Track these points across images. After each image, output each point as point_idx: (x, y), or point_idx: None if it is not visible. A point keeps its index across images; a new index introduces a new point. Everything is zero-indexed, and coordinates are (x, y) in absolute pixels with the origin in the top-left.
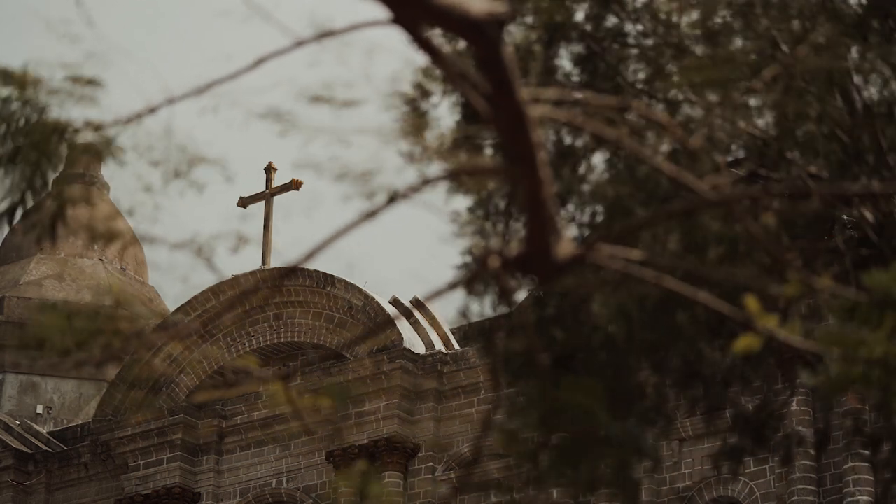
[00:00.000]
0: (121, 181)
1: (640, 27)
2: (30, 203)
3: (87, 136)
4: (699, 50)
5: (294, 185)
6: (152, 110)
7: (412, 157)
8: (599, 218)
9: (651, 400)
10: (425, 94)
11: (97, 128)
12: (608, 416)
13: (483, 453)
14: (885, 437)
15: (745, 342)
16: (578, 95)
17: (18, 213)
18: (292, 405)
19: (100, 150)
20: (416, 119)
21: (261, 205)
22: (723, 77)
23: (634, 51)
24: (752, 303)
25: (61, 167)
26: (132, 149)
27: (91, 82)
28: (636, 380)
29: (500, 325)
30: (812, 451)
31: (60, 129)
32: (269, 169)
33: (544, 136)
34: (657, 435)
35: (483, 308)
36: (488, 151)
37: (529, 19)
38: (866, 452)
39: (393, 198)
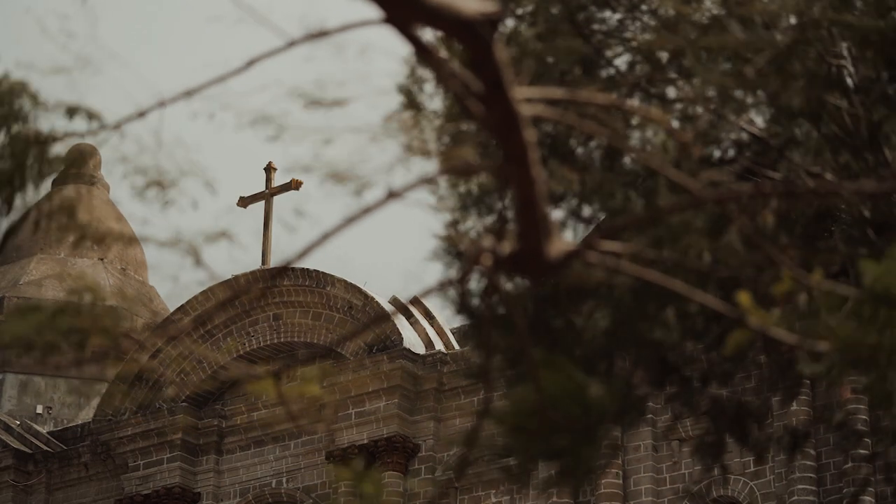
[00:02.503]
0: (117, 183)
1: (634, 22)
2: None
3: (71, 143)
4: (694, 42)
5: (294, 185)
6: (142, 114)
7: (405, 155)
8: (592, 215)
9: (631, 394)
10: (418, 91)
11: (84, 136)
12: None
13: (477, 449)
14: (872, 433)
15: (737, 338)
16: (571, 94)
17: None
18: (283, 402)
19: (92, 152)
20: (408, 117)
21: (261, 205)
22: (719, 68)
23: (630, 46)
24: (744, 298)
25: (41, 182)
26: (121, 155)
27: (68, 74)
28: (622, 377)
29: (492, 321)
30: (811, 450)
31: (41, 141)
32: (269, 169)
33: (537, 135)
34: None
35: (477, 306)
36: (482, 150)
37: (523, 12)
38: (865, 452)
39: (388, 196)
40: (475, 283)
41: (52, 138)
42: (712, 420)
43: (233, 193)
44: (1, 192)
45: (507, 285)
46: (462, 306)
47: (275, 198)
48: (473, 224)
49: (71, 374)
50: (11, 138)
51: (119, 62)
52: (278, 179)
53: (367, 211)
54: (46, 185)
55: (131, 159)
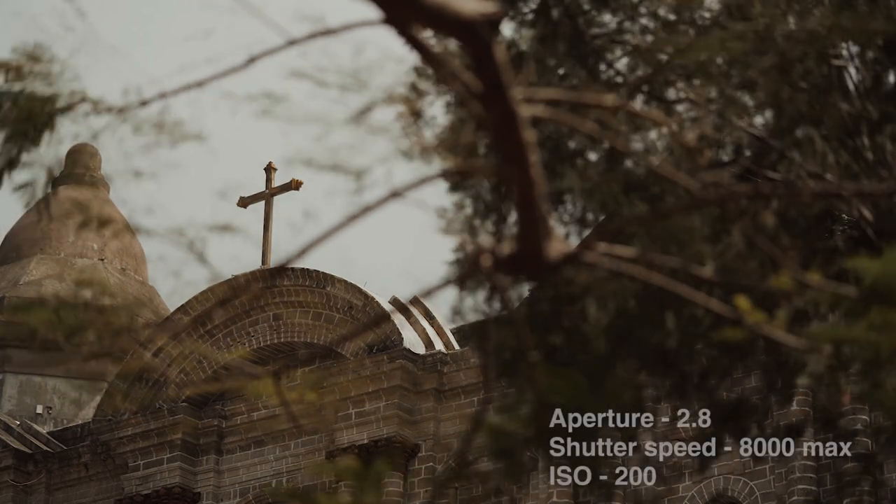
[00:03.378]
0: (117, 182)
1: (634, 23)
2: (18, 165)
3: (73, 103)
4: (694, 40)
5: (294, 185)
6: (144, 103)
7: (406, 154)
8: (592, 216)
9: (634, 395)
10: (419, 91)
11: (85, 100)
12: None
13: (473, 452)
14: (874, 434)
15: (731, 335)
16: (572, 95)
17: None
18: (282, 402)
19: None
20: (409, 115)
21: (261, 205)
22: (718, 69)
23: (629, 47)
24: (742, 301)
25: (51, 135)
26: (121, 132)
27: (56, 64)
28: (623, 376)
29: (492, 323)
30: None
31: (51, 100)
32: (269, 169)
33: (536, 136)
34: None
35: (477, 306)
36: (482, 150)
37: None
38: (864, 452)
39: (389, 196)
40: (475, 286)
41: (62, 97)
42: (712, 417)
43: (232, 194)
44: (18, 142)
45: (508, 286)
46: (461, 308)
47: (275, 198)
48: (475, 224)
49: (71, 374)
50: (17, 101)
51: (114, 52)
52: (278, 179)
53: (367, 210)
54: (46, 185)
55: (133, 135)
